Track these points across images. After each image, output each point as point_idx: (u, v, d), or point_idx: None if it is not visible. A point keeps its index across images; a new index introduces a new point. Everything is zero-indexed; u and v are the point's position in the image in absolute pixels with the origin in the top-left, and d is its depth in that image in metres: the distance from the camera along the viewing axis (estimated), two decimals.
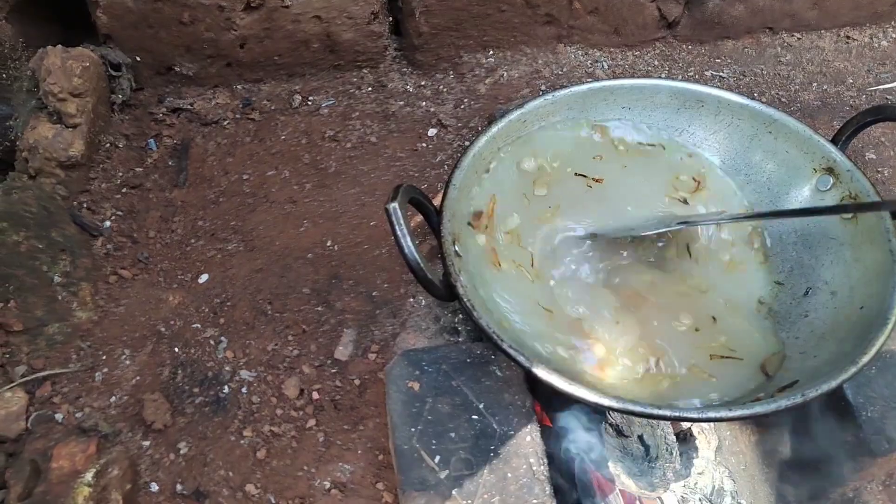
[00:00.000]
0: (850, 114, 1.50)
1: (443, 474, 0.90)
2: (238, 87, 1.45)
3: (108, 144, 1.33)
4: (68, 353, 1.08)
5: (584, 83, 1.20)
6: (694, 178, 1.18)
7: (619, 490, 1.13)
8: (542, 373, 0.87)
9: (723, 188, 1.19)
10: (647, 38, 1.60)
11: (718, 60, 1.61)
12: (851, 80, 1.59)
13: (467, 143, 1.11)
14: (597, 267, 1.11)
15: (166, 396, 1.05)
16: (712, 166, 1.20)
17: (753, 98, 1.20)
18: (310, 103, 1.45)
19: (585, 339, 1.01)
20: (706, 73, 1.57)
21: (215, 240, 1.24)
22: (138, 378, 1.07)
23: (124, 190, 1.29)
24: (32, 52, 1.31)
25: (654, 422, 1.15)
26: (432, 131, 1.42)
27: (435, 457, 0.91)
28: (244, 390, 1.07)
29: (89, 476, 0.91)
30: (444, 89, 1.49)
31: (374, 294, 1.18)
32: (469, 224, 1.08)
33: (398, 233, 0.89)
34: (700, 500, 1.24)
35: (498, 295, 1.01)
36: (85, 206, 1.25)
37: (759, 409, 0.85)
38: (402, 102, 1.46)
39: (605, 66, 1.56)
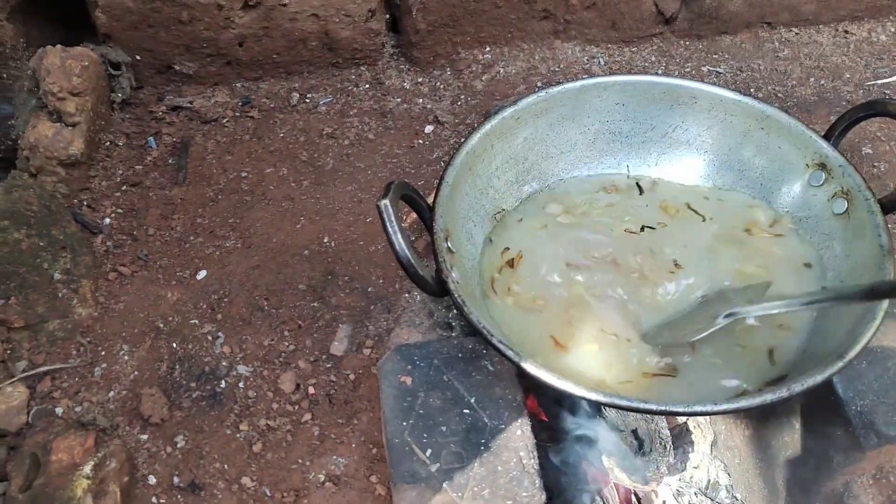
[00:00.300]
0: (847, 109, 1.49)
1: (434, 467, 0.91)
2: (237, 85, 1.47)
3: (108, 143, 1.35)
4: (68, 349, 1.10)
5: (577, 80, 1.21)
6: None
7: (614, 483, 1.14)
8: (530, 367, 0.88)
9: None
10: (644, 34, 1.60)
11: (716, 56, 1.61)
12: (849, 75, 1.59)
13: (461, 141, 1.12)
14: None
15: (164, 391, 1.07)
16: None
17: (748, 94, 1.21)
18: (308, 101, 1.46)
19: None
20: (703, 68, 1.58)
21: (214, 237, 1.25)
22: (137, 373, 1.09)
23: (124, 188, 1.30)
24: (33, 52, 1.33)
25: (649, 416, 1.16)
26: (429, 128, 1.44)
27: (426, 450, 0.93)
28: (241, 385, 1.09)
29: (88, 469, 0.93)
30: (441, 86, 1.50)
31: (368, 290, 1.19)
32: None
33: (389, 229, 0.90)
34: (695, 493, 1.25)
35: None
36: (85, 203, 1.27)
37: (744, 403, 0.86)
38: (399, 99, 1.48)
39: (602, 62, 1.57)
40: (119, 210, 1.27)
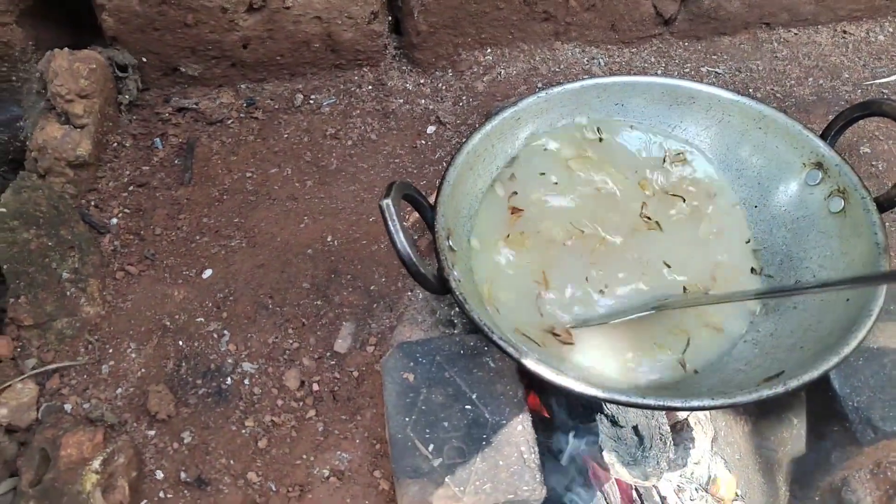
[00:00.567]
0: (845, 108, 1.51)
1: (436, 462, 0.93)
2: (242, 86, 1.48)
3: (115, 144, 1.37)
4: (77, 347, 1.12)
5: (577, 80, 1.23)
6: None
7: (615, 479, 1.15)
8: (530, 363, 0.90)
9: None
10: (643, 35, 1.62)
11: (714, 56, 1.63)
12: (847, 75, 1.60)
13: (463, 141, 1.13)
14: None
15: (171, 388, 1.09)
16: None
17: (747, 94, 1.22)
18: (311, 102, 1.48)
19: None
20: (702, 69, 1.59)
21: (219, 236, 1.27)
22: (144, 370, 1.11)
23: (131, 188, 1.32)
24: (42, 55, 1.34)
25: (650, 412, 1.17)
26: (431, 128, 1.45)
27: (428, 445, 0.94)
28: (246, 382, 1.11)
29: (97, 464, 0.94)
30: (443, 87, 1.52)
31: (371, 288, 1.21)
32: None
33: (391, 228, 0.92)
34: (696, 489, 1.26)
35: None
36: (93, 204, 1.29)
37: (741, 398, 0.87)
38: (401, 100, 1.49)
39: (602, 63, 1.58)
40: (126, 210, 1.29)
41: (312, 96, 1.49)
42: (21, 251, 1.12)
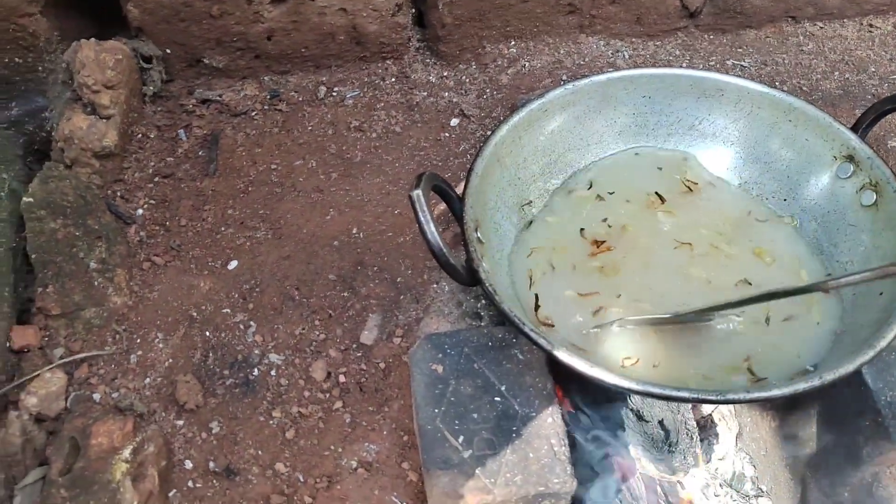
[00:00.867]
0: (871, 102, 1.49)
1: (466, 454, 0.93)
2: (266, 78, 1.48)
3: (140, 135, 1.37)
4: (104, 337, 1.12)
5: (604, 73, 1.22)
6: None
7: (640, 473, 1.15)
8: (563, 356, 0.89)
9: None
10: (668, 28, 1.61)
11: (740, 50, 1.61)
12: (874, 69, 1.58)
13: (490, 133, 1.13)
14: None
15: (198, 378, 1.09)
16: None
17: (774, 87, 1.21)
18: (335, 94, 1.48)
19: None
20: (727, 62, 1.58)
21: (244, 228, 1.27)
22: (171, 360, 1.11)
23: (156, 179, 1.32)
24: (67, 46, 1.35)
25: (675, 407, 1.17)
26: (455, 121, 1.45)
27: (458, 437, 0.94)
28: (273, 373, 1.11)
29: (127, 453, 0.95)
30: (467, 80, 1.51)
31: (398, 280, 1.21)
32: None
33: (421, 219, 0.91)
34: (721, 485, 1.25)
35: None
36: (119, 194, 1.29)
37: (776, 391, 0.86)
38: (425, 93, 1.49)
39: (627, 56, 1.57)
40: (152, 201, 1.29)
41: (336, 88, 1.48)
42: (49, 240, 1.13)
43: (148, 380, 1.09)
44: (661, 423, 1.17)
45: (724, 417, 1.27)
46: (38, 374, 1.05)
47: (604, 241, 1.14)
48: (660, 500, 1.17)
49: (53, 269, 1.11)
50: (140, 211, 1.28)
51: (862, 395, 1.02)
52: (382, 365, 1.12)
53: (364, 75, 1.51)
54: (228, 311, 1.17)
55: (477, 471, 0.91)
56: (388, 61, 1.52)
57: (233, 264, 1.23)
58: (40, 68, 1.36)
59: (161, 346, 1.12)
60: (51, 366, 1.07)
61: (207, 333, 1.14)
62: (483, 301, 1.15)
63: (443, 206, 1.13)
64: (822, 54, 1.62)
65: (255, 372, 1.10)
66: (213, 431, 1.05)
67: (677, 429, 1.17)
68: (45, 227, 1.13)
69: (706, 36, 1.63)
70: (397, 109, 1.46)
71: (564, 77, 1.51)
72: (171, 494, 0.99)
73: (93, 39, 1.28)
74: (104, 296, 1.14)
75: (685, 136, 1.25)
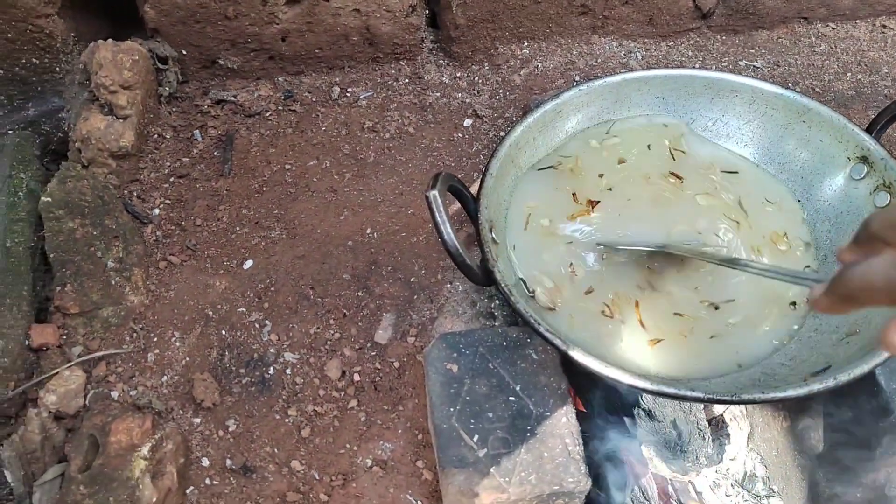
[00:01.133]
0: (884, 103, 1.49)
1: (481, 452, 0.93)
2: (280, 79, 1.49)
3: (156, 135, 1.38)
4: (122, 335, 1.13)
5: (618, 73, 1.23)
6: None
7: (651, 473, 1.15)
8: (577, 355, 0.90)
9: None
10: (681, 29, 1.61)
11: (752, 51, 1.62)
12: (886, 70, 1.58)
13: (503, 134, 1.14)
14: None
15: (215, 377, 1.10)
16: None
17: (788, 87, 1.21)
18: (349, 95, 1.48)
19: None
20: (740, 63, 1.58)
21: (259, 227, 1.28)
22: (188, 359, 1.12)
23: (172, 179, 1.33)
24: (83, 47, 1.36)
25: (687, 407, 1.17)
26: (468, 122, 1.45)
27: (473, 435, 0.95)
28: (288, 371, 1.12)
29: (145, 450, 0.95)
30: (480, 80, 1.52)
31: (411, 280, 1.21)
32: None
33: (438, 219, 0.92)
34: (732, 485, 1.26)
35: None
36: (135, 194, 1.30)
37: (791, 392, 0.87)
38: (438, 94, 1.49)
39: (639, 57, 1.57)
40: (167, 201, 1.30)
41: (350, 89, 1.49)
42: (67, 240, 1.14)
43: (165, 378, 1.10)
44: (673, 422, 1.17)
45: (736, 418, 1.27)
46: (57, 372, 1.06)
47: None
48: (671, 499, 1.17)
49: (72, 269, 1.12)
50: (156, 211, 1.29)
51: (875, 396, 1.02)
52: (397, 364, 1.13)
53: (377, 76, 1.52)
54: (244, 310, 1.18)
55: (492, 469, 0.92)
56: (401, 62, 1.53)
57: (248, 264, 1.24)
58: (57, 69, 1.37)
59: (178, 344, 1.13)
60: (69, 364, 1.08)
61: (223, 332, 1.15)
62: (497, 301, 1.16)
63: (456, 205, 1.14)
64: (835, 55, 1.62)
65: (271, 370, 1.11)
66: (230, 429, 1.06)
67: (689, 429, 1.17)
68: (64, 226, 1.14)
69: (719, 37, 1.64)
70: (410, 110, 1.47)
71: (577, 78, 1.52)
72: (188, 491, 1.00)
73: (110, 40, 1.29)
74: (121, 295, 1.15)
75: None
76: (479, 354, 1.02)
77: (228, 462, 1.03)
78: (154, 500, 0.92)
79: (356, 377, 1.11)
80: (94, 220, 1.17)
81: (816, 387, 0.86)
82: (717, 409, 1.25)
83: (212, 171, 1.36)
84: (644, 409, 1.15)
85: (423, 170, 1.37)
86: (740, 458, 1.27)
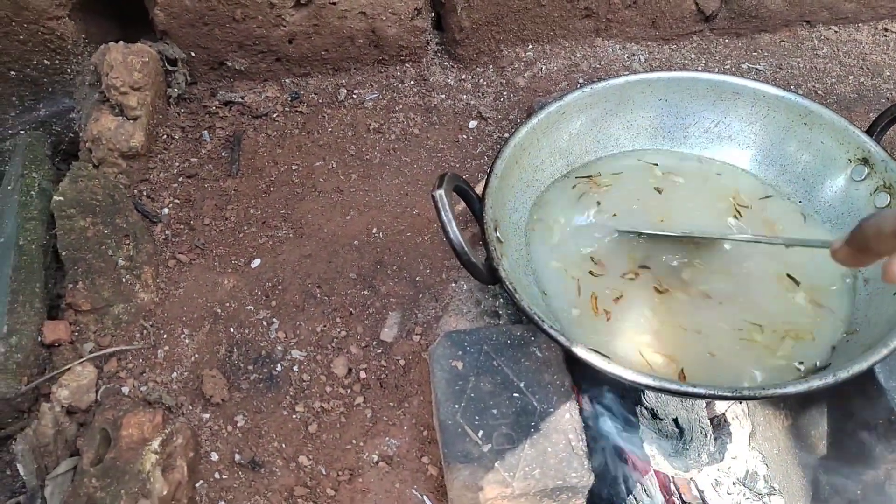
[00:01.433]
0: (886, 106, 1.51)
1: (486, 448, 0.95)
2: (286, 81, 1.51)
3: (165, 136, 1.40)
4: (132, 332, 1.15)
5: (621, 76, 1.24)
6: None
7: (654, 470, 1.16)
8: (581, 352, 0.91)
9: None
10: (684, 32, 1.63)
11: (755, 54, 1.63)
12: (889, 73, 1.60)
13: (507, 135, 1.15)
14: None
15: (223, 373, 1.11)
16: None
17: (790, 90, 1.22)
18: (355, 97, 1.50)
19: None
20: (742, 66, 1.60)
21: (266, 227, 1.30)
22: (197, 355, 1.14)
23: (181, 179, 1.35)
24: (93, 48, 1.38)
25: (689, 405, 1.18)
26: (473, 123, 1.47)
27: (478, 431, 0.96)
28: (295, 368, 1.13)
29: (156, 444, 0.97)
30: (484, 83, 1.54)
31: (417, 279, 1.23)
32: None
33: (444, 218, 0.94)
34: (734, 483, 1.27)
35: None
36: (145, 194, 1.32)
37: (791, 388, 0.88)
38: (443, 95, 1.51)
39: (642, 60, 1.59)
40: (176, 200, 1.32)
41: (356, 91, 1.51)
42: (79, 238, 1.16)
43: (175, 374, 1.11)
44: (675, 420, 1.18)
45: (738, 416, 1.28)
46: (70, 368, 1.08)
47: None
48: (673, 497, 1.19)
49: (83, 266, 1.14)
50: (165, 210, 1.31)
51: (875, 393, 1.04)
52: (402, 362, 1.14)
53: (383, 78, 1.54)
54: (252, 308, 1.20)
55: (496, 464, 0.94)
56: (406, 64, 1.55)
57: (255, 262, 1.25)
58: (68, 70, 1.39)
59: (187, 341, 1.15)
60: (81, 360, 1.09)
61: (232, 330, 1.17)
62: (501, 300, 1.17)
63: (461, 205, 1.15)
64: (837, 58, 1.63)
65: (279, 367, 1.13)
66: (239, 425, 1.07)
67: (691, 427, 1.18)
68: (76, 225, 1.16)
69: (721, 40, 1.65)
70: (416, 112, 1.48)
71: (580, 80, 1.53)
72: (198, 485, 1.02)
73: (120, 42, 1.31)
74: (132, 292, 1.17)
75: (701, 138, 1.27)
76: (483, 352, 1.04)
77: (237, 457, 1.04)
78: (165, 492, 0.94)
79: (362, 374, 1.13)
80: (105, 218, 1.19)
81: (816, 383, 0.87)
82: (719, 407, 1.26)
83: (220, 171, 1.37)
84: (647, 407, 1.16)
85: (428, 171, 1.39)
86: (742, 457, 1.28)
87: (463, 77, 1.54)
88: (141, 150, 1.30)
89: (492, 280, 1.01)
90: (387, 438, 1.07)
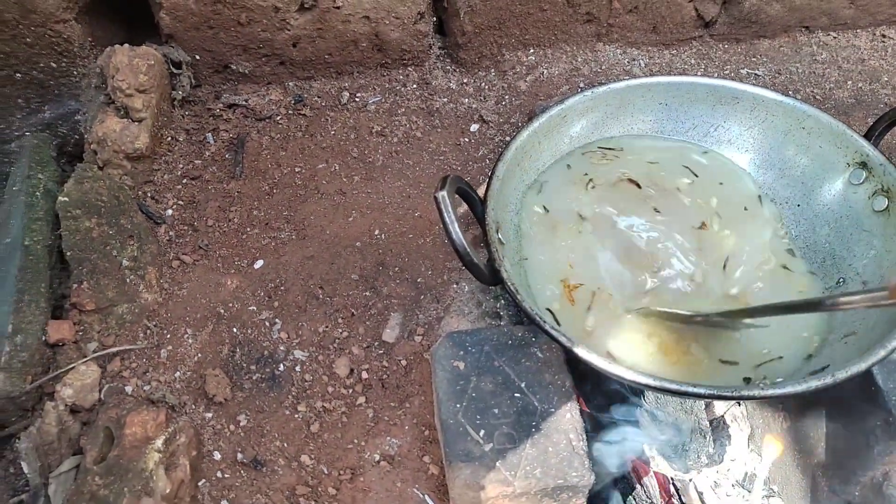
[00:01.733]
0: (884, 111, 1.51)
1: (487, 447, 0.96)
2: (290, 84, 1.52)
3: (169, 138, 1.41)
4: (136, 332, 1.16)
5: (622, 80, 1.25)
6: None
7: (653, 472, 1.17)
8: (582, 352, 0.92)
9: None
10: (684, 37, 1.64)
11: (754, 59, 1.64)
12: (886, 78, 1.61)
13: (509, 138, 1.16)
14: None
15: (226, 372, 1.12)
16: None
17: (788, 95, 1.24)
18: (357, 100, 1.51)
19: None
20: (742, 71, 1.61)
21: (269, 228, 1.31)
22: (200, 355, 1.15)
23: (185, 181, 1.36)
24: (99, 51, 1.40)
25: (689, 406, 1.19)
26: (474, 127, 1.48)
27: (479, 431, 0.97)
28: (297, 368, 1.14)
29: (159, 443, 0.98)
30: (486, 86, 1.55)
31: (418, 280, 1.24)
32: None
33: (446, 219, 0.95)
34: (732, 485, 1.28)
35: None
36: (149, 195, 1.33)
37: (790, 388, 0.89)
38: (445, 99, 1.52)
39: (643, 64, 1.60)
40: (180, 202, 1.33)
41: (358, 94, 1.52)
42: (84, 239, 1.17)
43: (178, 373, 1.12)
44: (675, 422, 1.19)
45: (737, 419, 1.29)
46: (74, 367, 1.08)
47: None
48: (672, 498, 1.19)
49: (88, 267, 1.15)
50: (169, 211, 1.32)
51: (873, 394, 1.05)
52: (404, 362, 1.15)
53: (385, 81, 1.55)
54: (254, 308, 1.21)
55: (498, 463, 0.94)
56: (409, 68, 1.56)
57: (258, 263, 1.26)
58: (73, 73, 1.40)
59: (190, 341, 1.16)
60: (85, 359, 1.10)
61: (234, 330, 1.18)
62: (502, 301, 1.18)
63: (463, 207, 1.17)
64: (836, 64, 1.65)
65: (281, 367, 1.14)
66: (241, 424, 1.08)
67: (691, 428, 1.19)
68: (81, 225, 1.17)
69: (721, 45, 1.66)
70: (418, 115, 1.49)
71: (581, 84, 1.55)
72: (200, 484, 1.02)
73: (126, 45, 1.32)
74: (136, 292, 1.18)
75: (701, 142, 1.28)
76: (484, 352, 1.05)
77: (239, 455, 1.05)
78: (168, 490, 0.95)
79: (364, 374, 1.14)
80: (110, 219, 1.20)
81: (815, 384, 0.88)
82: (718, 410, 1.27)
83: (223, 173, 1.39)
84: (647, 409, 1.17)
85: (430, 173, 1.40)
86: (741, 459, 1.29)
87: (465, 81, 1.56)
88: (146, 151, 1.31)
89: (493, 281, 1.02)
90: (388, 438, 1.08)
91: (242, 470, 1.04)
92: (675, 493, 1.22)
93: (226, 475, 1.03)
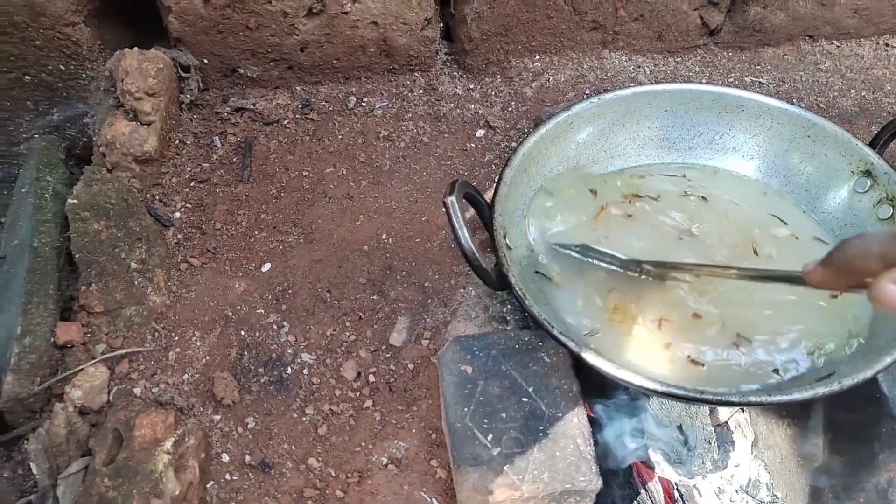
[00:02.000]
0: (888, 120, 1.52)
1: (495, 451, 0.96)
2: (297, 88, 1.53)
3: (177, 141, 1.42)
4: (144, 334, 1.16)
5: (628, 87, 1.26)
6: None
7: (658, 477, 1.18)
8: (590, 357, 0.93)
9: None
10: (689, 45, 1.65)
11: (758, 67, 1.65)
12: (890, 87, 1.62)
13: (515, 144, 1.17)
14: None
15: (234, 375, 1.13)
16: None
17: (793, 103, 1.25)
18: (364, 105, 1.52)
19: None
20: (746, 79, 1.62)
21: (277, 232, 1.31)
22: (208, 358, 1.15)
23: (193, 184, 1.37)
24: (108, 54, 1.40)
25: (693, 412, 1.20)
26: (481, 132, 1.49)
27: (487, 435, 0.97)
28: (305, 372, 1.14)
29: (168, 444, 0.98)
30: (493, 92, 1.56)
31: (425, 284, 1.24)
32: None
33: (455, 224, 0.96)
34: (736, 491, 1.28)
35: None
36: (157, 198, 1.34)
37: (797, 395, 0.89)
38: (452, 105, 1.53)
39: (648, 72, 1.61)
40: (188, 205, 1.34)
41: (366, 99, 1.53)
42: (92, 241, 1.17)
43: (186, 376, 1.13)
44: (679, 427, 1.20)
45: (741, 425, 1.29)
46: (82, 369, 1.09)
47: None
48: (677, 503, 1.20)
49: (97, 269, 1.16)
50: (177, 214, 1.32)
51: (878, 402, 1.05)
52: (411, 366, 1.15)
53: (392, 87, 1.56)
54: (262, 311, 1.21)
55: (505, 468, 0.95)
56: (416, 73, 1.57)
57: (266, 267, 1.27)
58: (82, 75, 1.41)
59: (198, 343, 1.16)
60: (93, 361, 1.11)
61: (242, 332, 1.18)
62: (509, 305, 1.19)
63: (470, 212, 1.17)
64: (839, 72, 1.66)
65: (289, 370, 1.14)
66: (249, 426, 1.09)
67: (695, 434, 1.20)
68: (89, 227, 1.18)
69: (725, 53, 1.68)
70: (425, 120, 1.50)
71: (587, 91, 1.56)
72: (209, 486, 1.03)
73: (135, 49, 1.33)
74: (144, 295, 1.18)
75: (706, 149, 1.29)
76: (492, 357, 1.05)
77: (247, 458, 1.05)
78: (177, 492, 0.95)
79: (371, 378, 1.14)
80: (119, 222, 1.20)
81: (821, 390, 0.89)
82: (723, 416, 1.27)
83: (231, 176, 1.39)
84: (652, 414, 1.18)
85: (436, 178, 1.40)
86: (744, 465, 1.29)
87: (471, 87, 1.57)
88: (154, 154, 1.32)
89: (501, 286, 1.02)
90: (395, 441, 1.08)
91: (250, 472, 1.05)
92: (680, 499, 1.22)
93: (234, 477, 1.04)
